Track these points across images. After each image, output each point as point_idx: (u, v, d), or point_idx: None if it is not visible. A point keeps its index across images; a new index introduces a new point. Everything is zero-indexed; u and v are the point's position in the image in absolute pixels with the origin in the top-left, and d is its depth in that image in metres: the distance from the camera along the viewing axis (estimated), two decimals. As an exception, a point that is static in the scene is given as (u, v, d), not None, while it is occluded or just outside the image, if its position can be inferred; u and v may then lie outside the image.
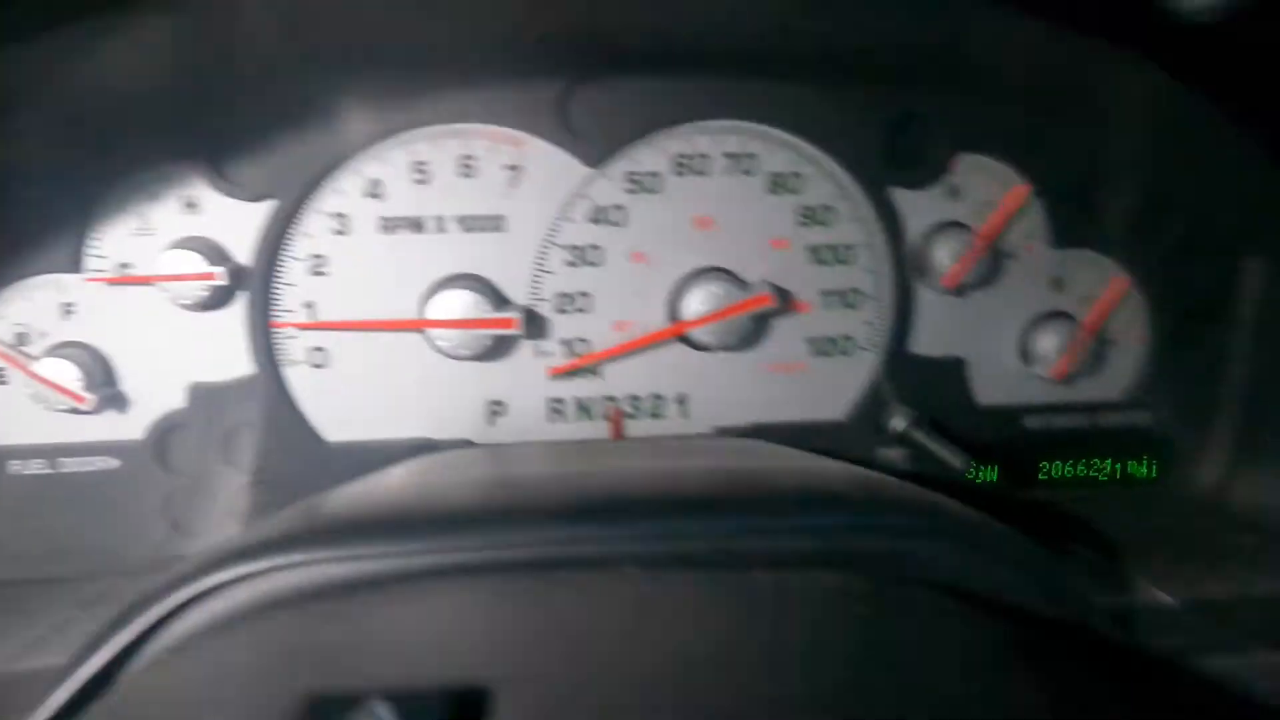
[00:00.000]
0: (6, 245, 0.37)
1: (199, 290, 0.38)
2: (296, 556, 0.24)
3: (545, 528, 0.25)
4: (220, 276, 0.38)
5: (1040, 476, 0.46)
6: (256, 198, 0.38)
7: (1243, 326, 0.42)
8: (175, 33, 0.32)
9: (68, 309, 0.38)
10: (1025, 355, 0.43)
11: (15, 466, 0.39)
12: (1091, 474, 0.46)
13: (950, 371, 0.43)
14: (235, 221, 0.39)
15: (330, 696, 0.16)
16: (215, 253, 0.38)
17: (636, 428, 0.43)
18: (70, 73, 0.32)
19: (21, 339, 0.38)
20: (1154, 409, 0.44)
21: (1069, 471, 0.46)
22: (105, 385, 0.39)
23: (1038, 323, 0.43)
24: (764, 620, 0.20)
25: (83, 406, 0.38)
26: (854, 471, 0.32)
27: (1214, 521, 0.42)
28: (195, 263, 0.38)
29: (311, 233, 0.39)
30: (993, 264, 0.42)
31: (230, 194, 0.38)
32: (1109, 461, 0.45)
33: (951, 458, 0.40)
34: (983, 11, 0.34)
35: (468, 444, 0.41)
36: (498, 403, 0.41)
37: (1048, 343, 0.43)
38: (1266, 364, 0.42)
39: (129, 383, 0.39)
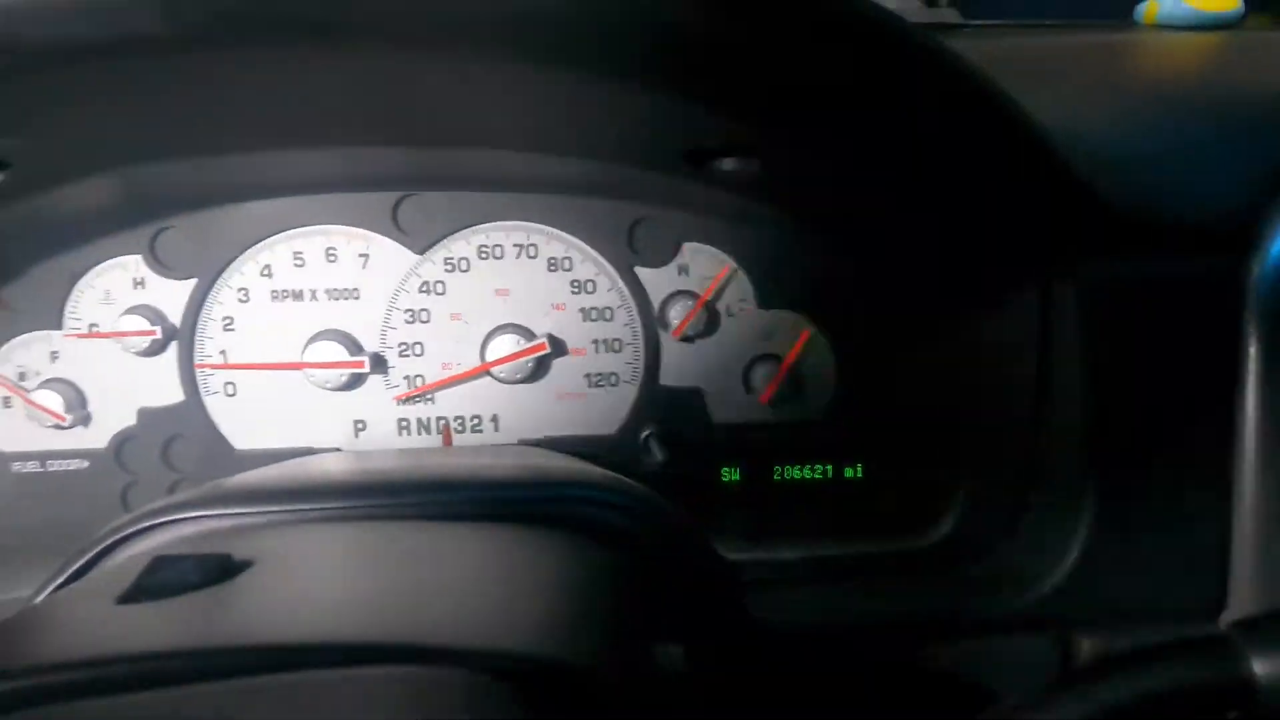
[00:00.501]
0: (13, 314, 0.54)
1: (144, 342, 0.54)
2: (201, 509, 0.39)
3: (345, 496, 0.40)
4: (158, 333, 0.55)
5: (775, 477, 0.61)
6: (184, 277, 0.55)
7: (905, 364, 0.58)
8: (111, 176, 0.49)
9: (54, 355, 0.55)
10: (747, 385, 0.59)
11: (16, 466, 0.56)
12: (813, 475, 0.61)
13: (691, 398, 0.59)
14: (169, 293, 0.55)
15: None
16: (156, 315, 0.55)
17: (462, 439, 0.59)
18: (42, 200, 0.49)
19: (22, 375, 0.55)
20: (845, 426, 0.60)
21: (794, 473, 0.61)
22: (79, 409, 0.55)
23: (753, 362, 0.59)
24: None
25: (63, 424, 0.55)
26: (566, 463, 0.48)
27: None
28: (141, 323, 0.54)
29: (222, 301, 0.55)
30: (714, 320, 0.58)
31: (165, 275, 0.55)
32: (824, 465, 0.61)
33: (657, 456, 0.56)
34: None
35: (338, 451, 0.58)
36: (360, 421, 0.57)
37: (760, 376, 0.59)
38: (920, 404, 0.57)
39: (95, 406, 0.55)
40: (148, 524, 0.38)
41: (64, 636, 0.28)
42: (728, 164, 0.45)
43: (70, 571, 0.38)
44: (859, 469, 0.60)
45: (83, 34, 0.29)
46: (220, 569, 0.30)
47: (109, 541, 0.38)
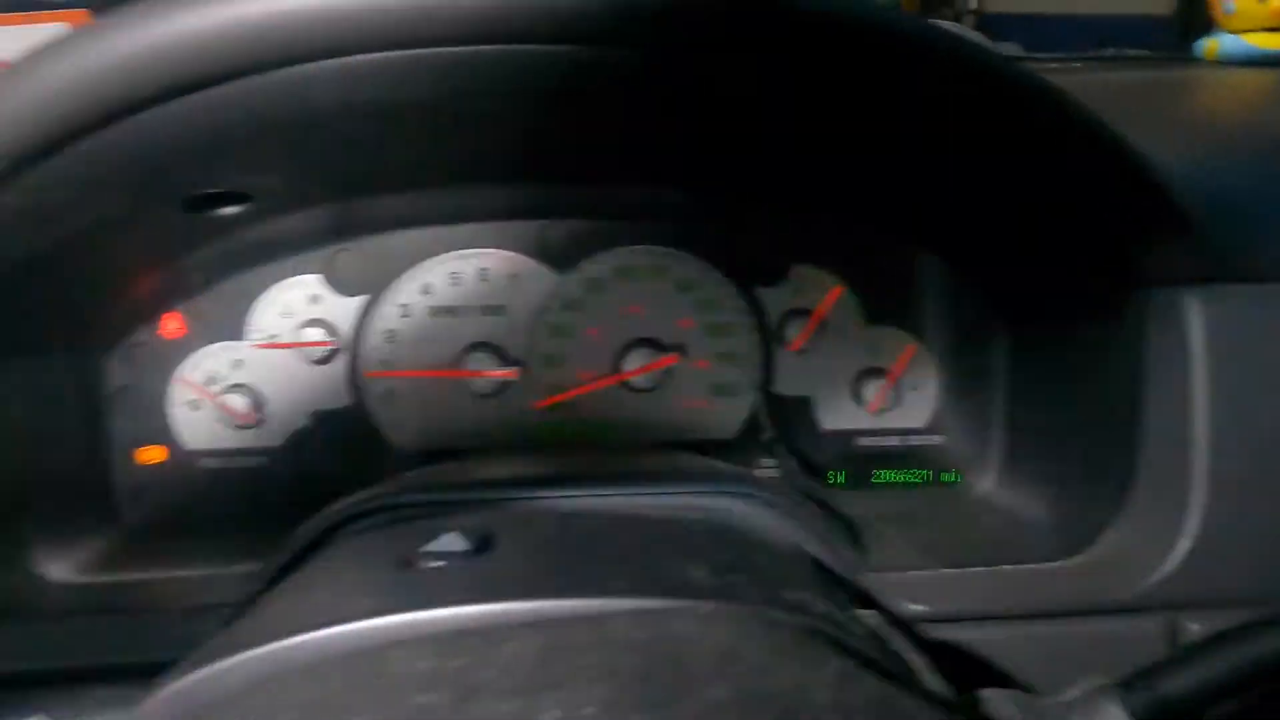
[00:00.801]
0: (204, 325, 0.61)
1: (320, 352, 0.61)
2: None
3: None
4: (332, 343, 0.61)
5: (874, 481, 0.67)
6: (355, 294, 0.62)
7: (1001, 381, 0.63)
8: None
9: (237, 363, 0.61)
10: (855, 396, 0.65)
11: (204, 461, 0.62)
12: (911, 480, 0.67)
13: (802, 406, 0.64)
14: (341, 308, 0.62)
15: None
16: (329, 328, 0.61)
17: (595, 443, 0.65)
18: (259, 228, 0.56)
19: (209, 381, 0.62)
20: (946, 435, 0.65)
21: (894, 477, 0.66)
22: (259, 411, 0.62)
23: (861, 374, 0.64)
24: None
25: (247, 424, 0.62)
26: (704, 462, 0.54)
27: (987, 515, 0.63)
28: (319, 334, 0.61)
29: (386, 315, 0.62)
30: (824, 336, 0.63)
31: (339, 292, 0.62)
32: (924, 471, 0.66)
33: (790, 460, 0.61)
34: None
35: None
36: (505, 425, 0.64)
37: (868, 387, 0.64)
38: (1022, 413, 0.62)
39: (273, 409, 0.62)
40: (371, 505, 0.45)
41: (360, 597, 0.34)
42: (866, 199, 0.51)
43: (304, 542, 0.44)
44: (956, 474, 0.65)
45: (377, 98, 0.36)
46: (486, 540, 0.36)
47: (340, 518, 0.45)
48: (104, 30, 0.33)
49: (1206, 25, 0.91)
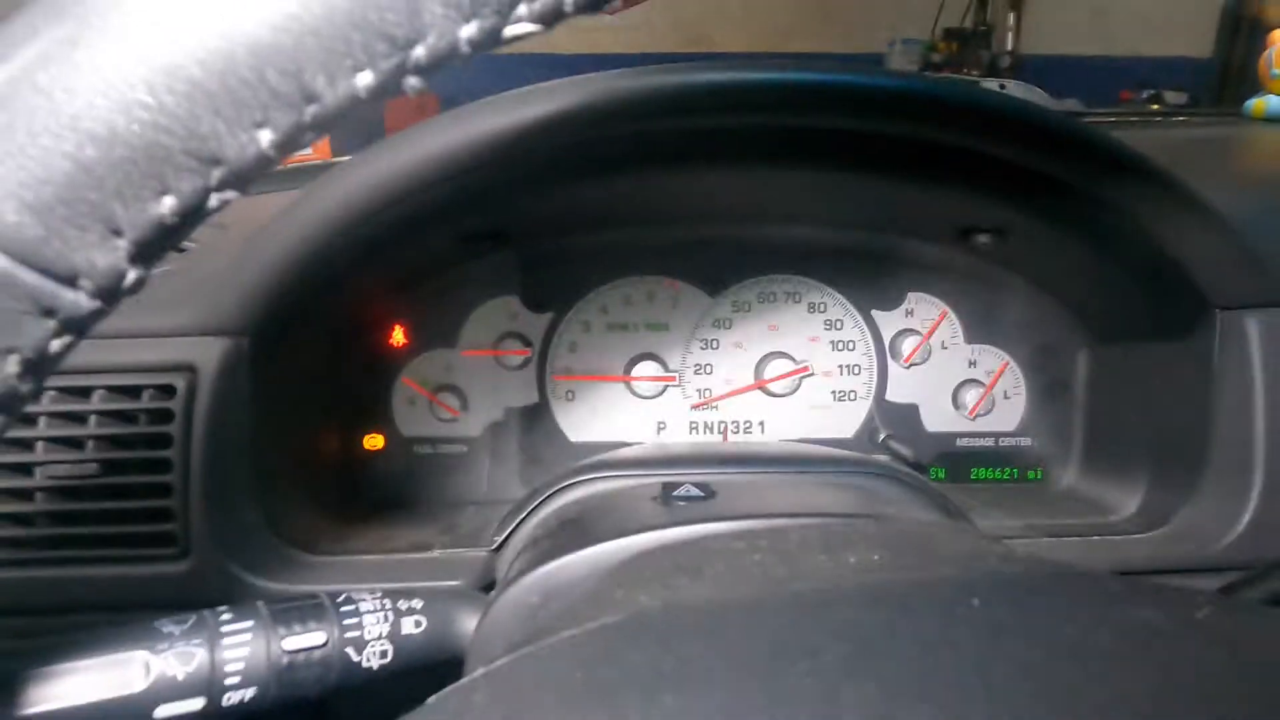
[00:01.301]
0: (424, 336, 0.75)
1: (517, 360, 0.74)
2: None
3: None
4: (525, 352, 0.75)
5: (972, 477, 0.78)
6: (545, 311, 0.75)
7: (1082, 390, 0.75)
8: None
9: (448, 367, 0.75)
10: (955, 403, 0.77)
11: (416, 448, 0.76)
12: (1003, 476, 0.78)
13: (910, 411, 0.77)
14: (533, 323, 0.75)
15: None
16: (523, 339, 0.75)
17: (735, 438, 0.77)
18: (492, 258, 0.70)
19: (424, 381, 0.75)
20: (1033, 437, 0.77)
21: (988, 474, 0.78)
22: (464, 407, 0.75)
23: (961, 385, 0.76)
24: None
25: (454, 418, 0.75)
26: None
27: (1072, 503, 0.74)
28: (516, 344, 0.74)
29: (570, 329, 0.75)
30: (931, 352, 0.76)
31: (532, 310, 0.75)
32: (1012, 469, 0.78)
33: (907, 454, 0.73)
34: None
35: (640, 446, 0.77)
36: (662, 422, 0.76)
37: (967, 395, 0.76)
38: (1100, 417, 0.74)
39: (475, 405, 0.76)
40: (588, 476, 0.57)
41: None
42: (985, 240, 0.64)
43: (530, 507, 0.57)
44: (1039, 471, 0.77)
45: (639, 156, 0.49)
46: (709, 488, 0.49)
47: (558, 486, 0.57)
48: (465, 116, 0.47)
49: (1244, 68, 1.03)
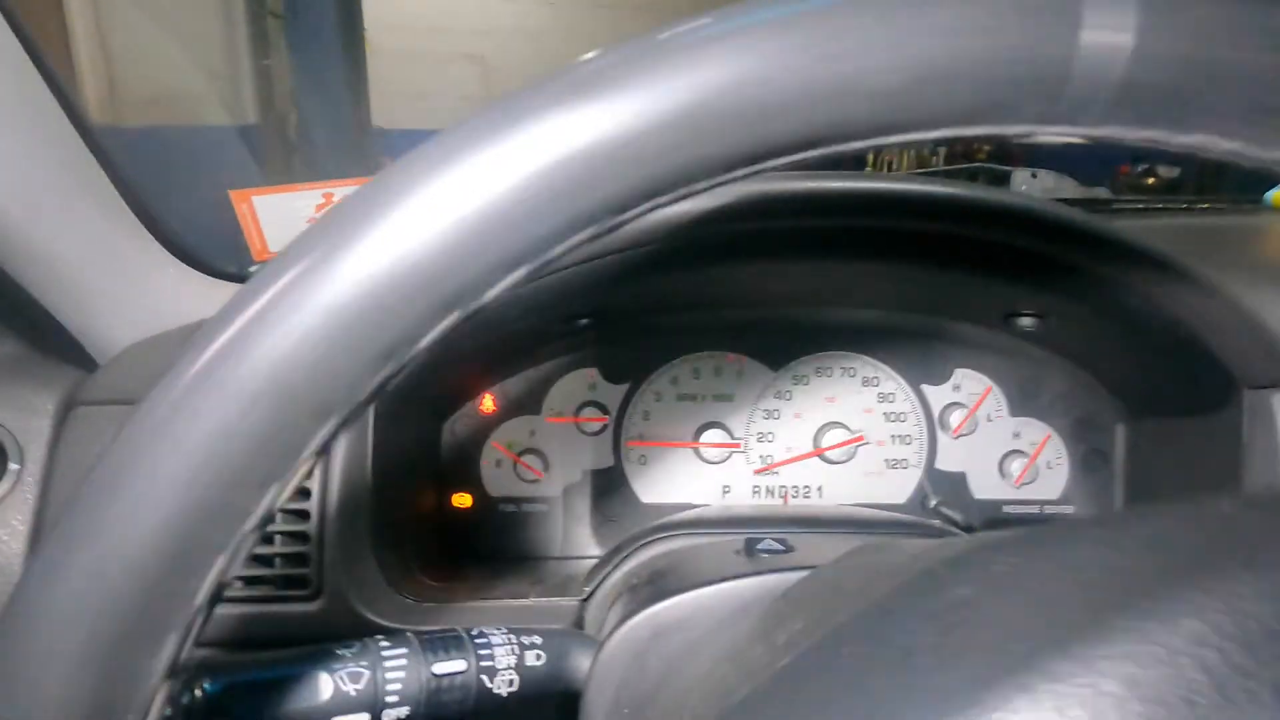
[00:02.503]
0: (510, 404, 0.82)
1: (596, 426, 0.81)
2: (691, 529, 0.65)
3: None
4: (603, 420, 0.82)
5: (1016, 541, 0.83)
6: (621, 383, 0.83)
7: (1121, 460, 0.80)
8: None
9: (532, 432, 0.82)
10: (1001, 472, 0.82)
11: (501, 506, 0.83)
12: (1046, 541, 0.83)
13: (958, 480, 0.82)
14: (610, 393, 0.83)
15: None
16: (601, 408, 0.82)
17: (795, 502, 0.83)
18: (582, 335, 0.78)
19: (510, 445, 0.82)
20: (1076, 505, 0.82)
21: (1032, 539, 0.83)
22: (545, 469, 0.82)
23: (1006, 455, 0.82)
24: None
25: (538, 479, 0.82)
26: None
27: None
28: (595, 413, 0.82)
29: (643, 399, 0.82)
30: (977, 424, 0.82)
31: (610, 381, 0.82)
32: (1056, 534, 0.83)
33: (958, 518, 0.79)
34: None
35: (708, 507, 0.83)
36: (727, 486, 0.83)
37: (1012, 465, 0.82)
38: (1138, 486, 0.79)
39: (555, 468, 0.82)
40: (665, 534, 0.64)
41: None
42: (1027, 322, 0.70)
43: (615, 562, 0.63)
44: (1082, 539, 0.81)
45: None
46: (788, 544, 0.55)
47: (640, 544, 0.64)
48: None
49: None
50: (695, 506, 0.82)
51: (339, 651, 0.44)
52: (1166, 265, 0.60)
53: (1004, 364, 0.81)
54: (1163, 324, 0.64)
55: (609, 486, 0.82)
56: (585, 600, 0.64)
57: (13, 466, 0.62)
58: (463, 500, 0.81)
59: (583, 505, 0.82)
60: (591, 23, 4.77)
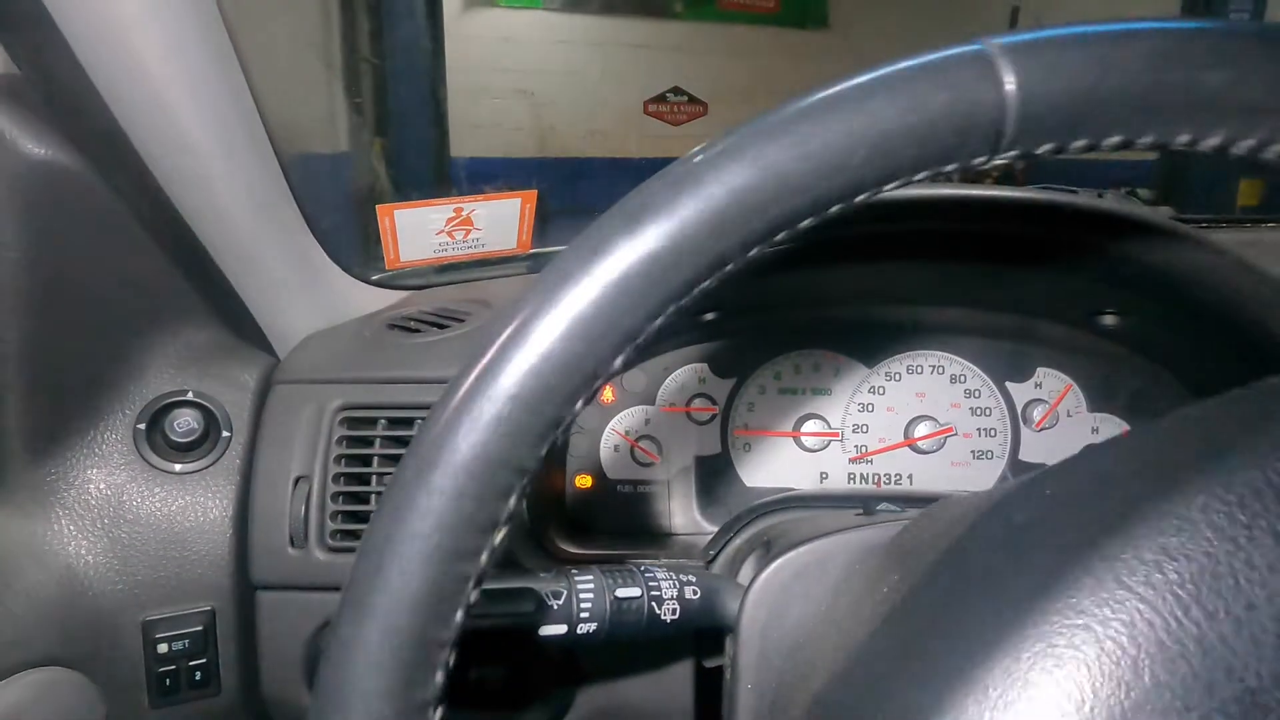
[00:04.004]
0: (628, 394, 0.91)
1: (706, 416, 0.90)
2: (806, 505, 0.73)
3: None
4: (712, 410, 0.90)
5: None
6: (728, 377, 0.91)
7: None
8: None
9: (648, 421, 0.91)
10: (1080, 463, 0.89)
11: (619, 487, 0.91)
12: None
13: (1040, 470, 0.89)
14: (718, 386, 0.91)
15: None
16: (710, 399, 0.91)
17: (886, 488, 0.90)
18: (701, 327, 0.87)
19: (628, 432, 0.91)
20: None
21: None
22: (660, 453, 0.91)
23: (1085, 449, 0.88)
24: None
25: (653, 463, 0.91)
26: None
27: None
28: (706, 404, 0.90)
29: (748, 392, 0.91)
30: (1058, 418, 0.88)
31: (718, 375, 0.91)
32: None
33: None
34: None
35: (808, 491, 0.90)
36: (824, 472, 0.90)
37: (1091, 457, 0.88)
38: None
39: (668, 453, 0.91)
40: (775, 508, 0.72)
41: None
42: (1109, 320, 0.78)
43: (735, 529, 0.71)
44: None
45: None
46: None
47: (755, 515, 0.72)
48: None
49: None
50: (795, 490, 0.89)
51: (543, 575, 0.53)
52: (1246, 267, 0.67)
53: (1083, 363, 0.88)
54: (1240, 324, 0.70)
55: (716, 471, 0.90)
56: (708, 564, 0.73)
57: (224, 434, 0.73)
58: (584, 481, 0.90)
59: (691, 487, 0.90)
60: (632, 63, 5.00)
